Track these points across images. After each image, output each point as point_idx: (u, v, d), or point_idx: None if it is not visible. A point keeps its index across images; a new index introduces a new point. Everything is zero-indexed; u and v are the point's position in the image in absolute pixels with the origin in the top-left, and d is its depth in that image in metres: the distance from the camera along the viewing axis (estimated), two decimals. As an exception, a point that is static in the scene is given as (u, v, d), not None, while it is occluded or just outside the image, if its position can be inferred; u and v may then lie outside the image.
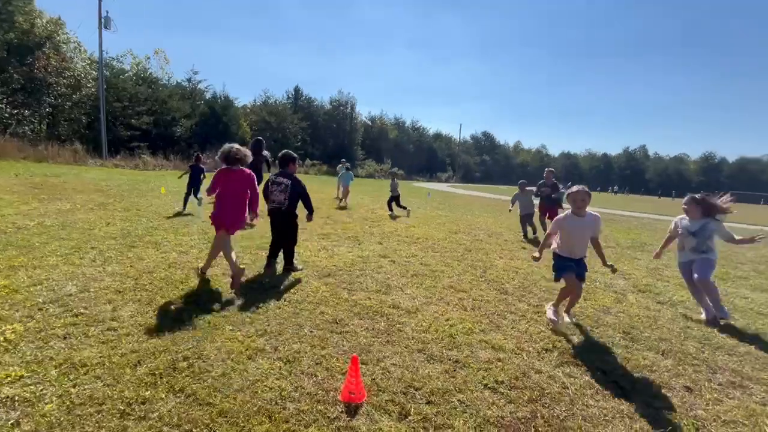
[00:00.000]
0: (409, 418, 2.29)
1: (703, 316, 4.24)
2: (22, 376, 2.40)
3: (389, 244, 7.04)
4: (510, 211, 9.90)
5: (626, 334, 3.73)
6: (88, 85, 27.34)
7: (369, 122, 57.25)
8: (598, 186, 63.30)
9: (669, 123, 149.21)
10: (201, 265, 4.64)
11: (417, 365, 2.88)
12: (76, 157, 22.70)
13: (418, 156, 59.11)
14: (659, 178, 76.46)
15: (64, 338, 2.89)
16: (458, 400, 2.48)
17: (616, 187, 60.40)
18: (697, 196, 4.40)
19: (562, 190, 8.72)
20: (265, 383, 2.51)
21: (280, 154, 5.26)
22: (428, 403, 2.44)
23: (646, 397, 2.68)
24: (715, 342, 3.67)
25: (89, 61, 28.56)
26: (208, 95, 37.39)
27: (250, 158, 4.55)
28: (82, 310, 3.36)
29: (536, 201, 9.23)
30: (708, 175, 75.11)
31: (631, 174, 78.80)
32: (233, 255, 4.30)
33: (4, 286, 3.76)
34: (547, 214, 8.67)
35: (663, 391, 2.78)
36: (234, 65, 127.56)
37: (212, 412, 2.21)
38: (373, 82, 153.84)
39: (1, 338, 2.81)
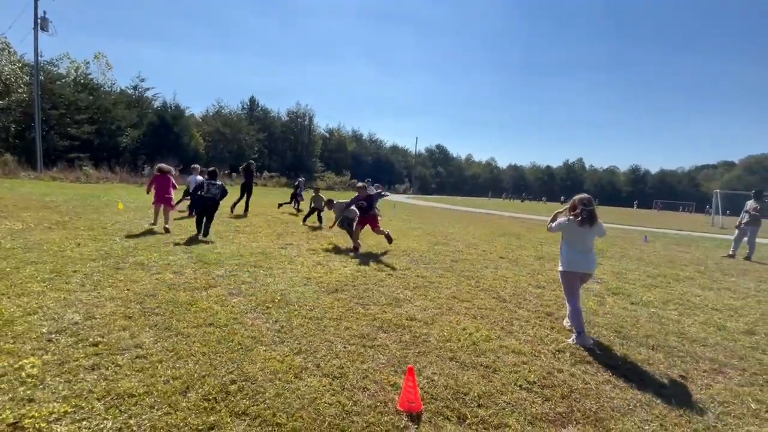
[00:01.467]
0: (468, 421, 2.47)
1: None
2: (66, 412, 2.26)
3: (380, 258, 7.19)
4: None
5: (618, 333, 4.20)
6: (19, 90, 24.83)
7: (327, 134, 57.11)
8: (543, 196, 67.80)
9: (602, 137, 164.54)
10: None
11: (455, 373, 3.08)
12: (6, 170, 20.44)
13: (376, 168, 59.79)
14: (595, 189, 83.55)
15: (93, 369, 2.74)
16: (504, 401, 2.71)
17: (562, 198, 65.12)
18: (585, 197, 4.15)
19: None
20: (322, 400, 2.57)
21: (209, 170, 8.63)
22: (479, 406, 2.64)
23: (654, 386, 3.08)
24: (689, 336, 4.25)
25: (20, 64, 25.95)
26: (156, 104, 35.41)
27: (173, 171, 8.62)
28: (99, 339, 3.17)
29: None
30: (635, 186, 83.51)
31: (572, 185, 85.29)
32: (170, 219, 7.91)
33: (-5, 317, 3.43)
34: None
35: (664, 380, 3.20)
36: (183, 74, 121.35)
37: (285, 430, 2.24)
38: (330, 95, 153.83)
39: (23, 374, 2.60)
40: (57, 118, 26.11)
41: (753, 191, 10.64)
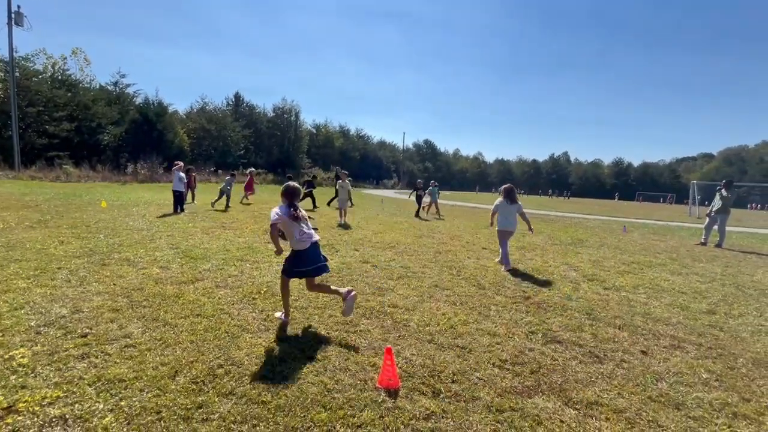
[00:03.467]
0: (442, 395, 2.66)
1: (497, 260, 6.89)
2: (59, 397, 2.37)
3: (365, 250, 7.35)
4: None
5: (589, 315, 4.45)
6: (-7, 87, 24.08)
7: (314, 130, 56.79)
8: (526, 189, 68.88)
9: (586, 131, 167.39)
10: None
11: (432, 353, 3.26)
12: (-18, 169, 19.90)
13: (364, 164, 59.80)
14: (580, 182, 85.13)
15: (83, 358, 2.84)
16: (477, 377, 2.91)
17: (550, 191, 66.14)
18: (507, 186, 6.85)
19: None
20: (306, 380, 2.73)
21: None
22: (453, 382, 2.83)
23: (616, 361, 3.32)
24: (654, 316, 4.52)
25: (-7, 60, 25.15)
26: (138, 100, 34.65)
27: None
28: (87, 331, 3.26)
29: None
30: (619, 178, 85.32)
31: (557, 178, 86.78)
32: None
33: (-19, 312, 3.48)
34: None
35: (626, 356, 3.45)
36: (165, 71, 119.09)
37: (269, 407, 2.39)
38: (316, 91, 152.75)
39: (14, 364, 2.69)
40: (34, 115, 25.42)
41: (723, 181, 11.10)
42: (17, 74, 23.83)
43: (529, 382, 2.90)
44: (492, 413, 2.47)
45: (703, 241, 10.84)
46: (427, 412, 2.45)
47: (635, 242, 10.81)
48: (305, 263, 3.59)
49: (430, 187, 15.77)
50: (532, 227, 6.87)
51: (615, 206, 37.55)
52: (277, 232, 3.59)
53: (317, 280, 3.95)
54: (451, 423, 2.35)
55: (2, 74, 24.34)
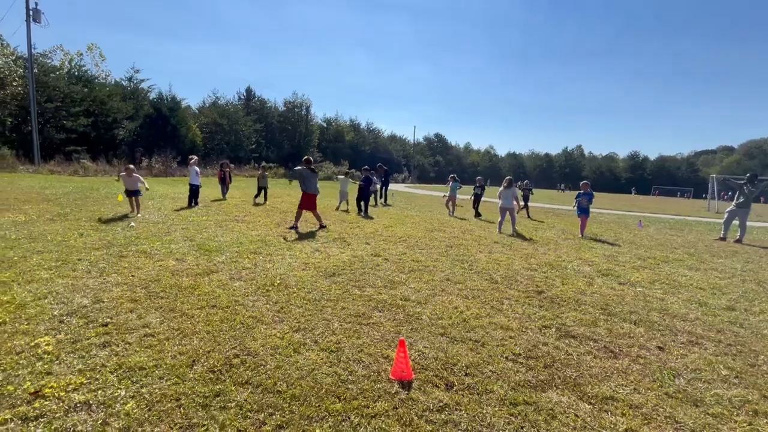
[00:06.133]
0: (455, 387, 2.67)
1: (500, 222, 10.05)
2: (82, 383, 2.44)
3: (376, 244, 7.37)
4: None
5: (603, 310, 4.39)
6: (14, 84, 24.65)
7: (324, 124, 56.84)
8: (544, 184, 67.92)
9: (601, 124, 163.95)
10: None
11: (445, 346, 3.27)
12: (4, 164, 20.47)
13: (374, 157, 59.68)
14: (594, 176, 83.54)
15: (104, 346, 2.92)
16: (490, 371, 2.90)
17: (561, 185, 65.10)
18: (508, 178, 10.42)
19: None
20: (320, 371, 2.76)
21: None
22: (466, 375, 2.83)
23: (632, 356, 3.28)
24: (671, 312, 4.44)
25: (13, 57, 25.75)
26: (152, 95, 35.12)
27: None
28: (108, 320, 3.35)
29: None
30: (634, 172, 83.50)
31: (570, 172, 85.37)
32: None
33: (8, 301, 3.61)
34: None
35: (642, 351, 3.40)
36: (177, 65, 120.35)
37: (285, 397, 2.43)
38: (326, 85, 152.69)
39: (40, 351, 2.78)
40: (52, 111, 25.96)
41: (747, 175, 10.78)
42: (35, 70, 24.36)
43: (543, 376, 2.89)
44: (506, 406, 2.47)
45: (722, 236, 10.57)
46: (441, 404, 2.46)
47: (651, 237, 10.60)
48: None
49: (451, 182, 14.55)
50: (521, 205, 10.94)
51: (629, 200, 36.82)
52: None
53: None
54: (465, 415, 2.36)
55: (21, 71, 24.89)
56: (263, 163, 16.33)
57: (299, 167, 8.80)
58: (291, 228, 8.33)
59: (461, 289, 4.88)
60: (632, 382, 2.87)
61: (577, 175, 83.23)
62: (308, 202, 8.54)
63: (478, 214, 13.36)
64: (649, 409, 2.53)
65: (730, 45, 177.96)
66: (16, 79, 24.70)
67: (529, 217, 13.91)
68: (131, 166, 9.10)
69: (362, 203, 12.06)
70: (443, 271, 5.73)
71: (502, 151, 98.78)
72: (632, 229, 12.18)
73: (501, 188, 10.11)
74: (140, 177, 9.14)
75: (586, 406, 2.53)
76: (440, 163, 79.13)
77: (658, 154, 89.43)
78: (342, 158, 52.12)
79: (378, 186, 15.85)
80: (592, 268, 6.47)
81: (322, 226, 8.67)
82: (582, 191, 10.01)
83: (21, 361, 2.64)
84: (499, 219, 10.13)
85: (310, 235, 7.81)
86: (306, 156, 9.46)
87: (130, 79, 34.53)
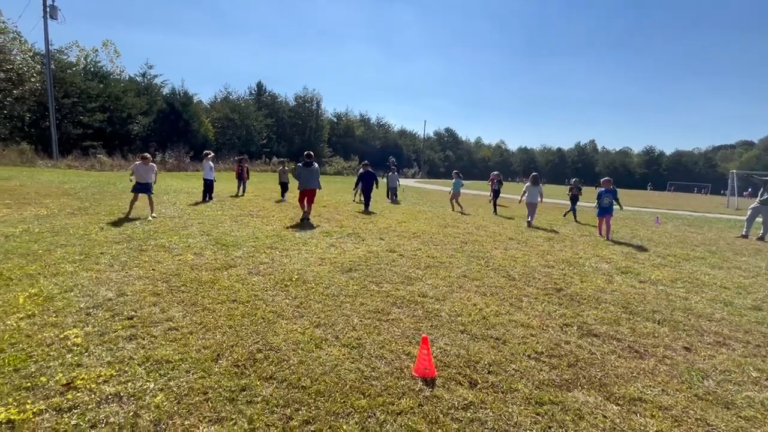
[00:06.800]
0: (479, 385, 2.65)
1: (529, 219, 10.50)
2: (112, 375, 2.49)
3: (390, 239, 7.35)
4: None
5: (625, 308, 4.32)
6: (32, 80, 25.13)
7: (335, 119, 56.82)
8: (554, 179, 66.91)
9: (615, 118, 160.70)
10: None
11: (466, 344, 3.25)
12: (24, 158, 20.95)
13: (384, 152, 59.53)
14: (607, 171, 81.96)
15: (131, 339, 2.97)
16: (513, 369, 2.88)
17: (572, 180, 64.10)
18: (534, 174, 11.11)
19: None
20: (343, 367, 2.77)
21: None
22: (489, 373, 2.81)
23: (657, 357, 3.22)
24: (696, 312, 4.35)
25: (31, 53, 26.21)
26: (165, 91, 35.53)
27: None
28: (132, 313, 3.41)
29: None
30: (649, 167, 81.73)
31: (583, 167, 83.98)
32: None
33: (35, 294, 3.70)
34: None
35: (668, 352, 3.33)
36: (188, 60, 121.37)
37: (309, 392, 2.44)
38: (335, 80, 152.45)
39: (69, 343, 2.84)
40: (69, 106, 26.45)
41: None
42: (53, 66, 24.79)
43: (567, 375, 2.85)
44: (531, 405, 2.45)
45: (744, 233, 10.30)
46: (466, 402, 2.44)
47: (670, 234, 10.38)
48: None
49: (454, 179, 14.18)
50: (543, 200, 11.06)
51: (645, 196, 36.10)
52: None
53: None
54: (491, 413, 2.34)
55: (39, 66, 25.34)
56: (283, 159, 16.43)
57: (299, 164, 9.09)
58: (302, 219, 8.69)
59: (479, 286, 4.84)
60: (660, 383, 2.81)
61: (589, 170, 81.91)
62: (306, 194, 8.84)
63: (495, 211, 13.13)
64: (679, 411, 2.48)
65: (750, 37, 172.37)
66: (34, 75, 25.15)
67: (576, 221, 12.08)
68: (147, 154, 8.62)
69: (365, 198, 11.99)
70: (459, 267, 5.69)
71: (513, 146, 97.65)
72: (649, 226, 11.94)
73: (527, 184, 10.85)
74: (155, 167, 8.64)
75: (614, 407, 2.49)
76: (450, 158, 78.54)
77: (675, 149, 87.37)
78: (352, 153, 52.09)
79: (398, 182, 16.50)
80: (610, 265, 6.36)
81: (305, 218, 8.75)
82: (603, 188, 9.37)
83: (52, 353, 2.71)
84: (527, 213, 10.73)
85: (325, 231, 7.83)
86: (306, 152, 9.56)
87: (143, 75, 34.98)
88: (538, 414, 2.37)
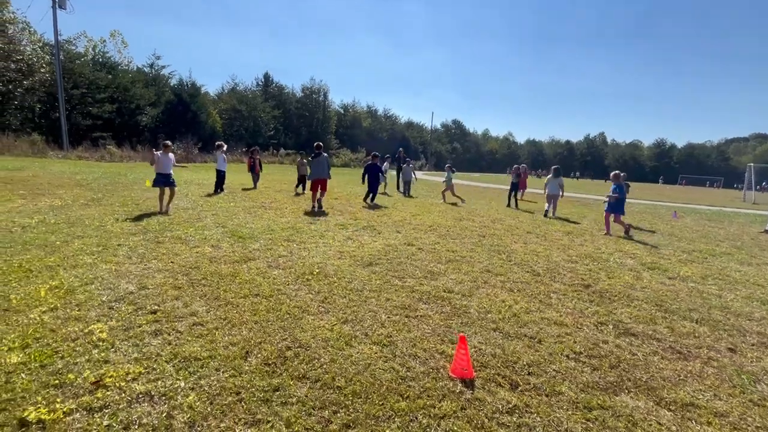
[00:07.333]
0: (520, 388, 2.52)
1: (547, 208, 10.93)
2: (141, 373, 2.40)
3: (407, 233, 7.22)
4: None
5: (659, 306, 4.16)
6: (41, 70, 25.15)
7: (342, 110, 56.43)
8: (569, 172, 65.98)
9: (625, 110, 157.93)
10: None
11: (501, 342, 3.12)
12: (35, 149, 21.03)
13: (391, 144, 59.15)
14: (617, 164, 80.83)
15: (156, 335, 2.88)
16: (553, 370, 2.75)
17: (577, 173, 63.30)
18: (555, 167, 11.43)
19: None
20: (376, 366, 2.65)
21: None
22: (530, 374, 2.69)
23: (702, 358, 3.07)
24: (734, 311, 4.17)
25: (40, 44, 26.20)
26: (173, 82, 35.42)
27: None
28: (155, 307, 3.32)
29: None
30: (660, 160, 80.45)
31: (592, 159, 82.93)
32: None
33: (56, 286, 3.63)
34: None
35: (712, 353, 3.18)
36: (196, 51, 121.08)
37: (345, 393, 2.33)
38: (342, 71, 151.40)
39: (94, 338, 2.76)
40: (78, 97, 26.46)
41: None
42: (62, 57, 24.75)
43: (611, 377, 2.72)
44: (579, 410, 2.32)
45: (767, 228, 10.02)
46: (509, 405, 2.32)
47: (690, 228, 10.13)
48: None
49: (447, 172, 13.94)
50: (563, 193, 11.33)
51: (657, 190, 35.50)
52: None
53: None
54: (538, 419, 2.22)
55: (48, 57, 25.33)
56: (302, 151, 16.29)
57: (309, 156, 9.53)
58: (314, 208, 9.00)
59: (504, 282, 4.70)
60: (710, 387, 2.67)
61: (599, 163, 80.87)
62: (318, 183, 9.22)
63: (509, 204, 12.82)
64: (736, 418, 2.34)
65: (760, 25, 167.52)
66: (44, 65, 25.17)
67: (624, 225, 10.44)
68: (168, 142, 8.27)
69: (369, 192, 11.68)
70: (481, 262, 5.55)
71: (521, 138, 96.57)
72: (667, 220, 11.67)
73: (549, 176, 11.29)
74: (173, 158, 8.30)
75: (667, 413, 2.35)
76: (458, 150, 77.91)
77: (686, 142, 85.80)
78: (359, 145, 51.80)
79: (414, 175, 16.16)
80: (635, 261, 6.18)
81: (318, 207, 9.11)
82: (615, 183, 8.63)
83: (78, 348, 2.63)
84: (546, 205, 10.97)
85: (340, 223, 7.71)
86: (316, 143, 9.82)
87: (151, 66, 34.84)
88: (587, 420, 2.24)
